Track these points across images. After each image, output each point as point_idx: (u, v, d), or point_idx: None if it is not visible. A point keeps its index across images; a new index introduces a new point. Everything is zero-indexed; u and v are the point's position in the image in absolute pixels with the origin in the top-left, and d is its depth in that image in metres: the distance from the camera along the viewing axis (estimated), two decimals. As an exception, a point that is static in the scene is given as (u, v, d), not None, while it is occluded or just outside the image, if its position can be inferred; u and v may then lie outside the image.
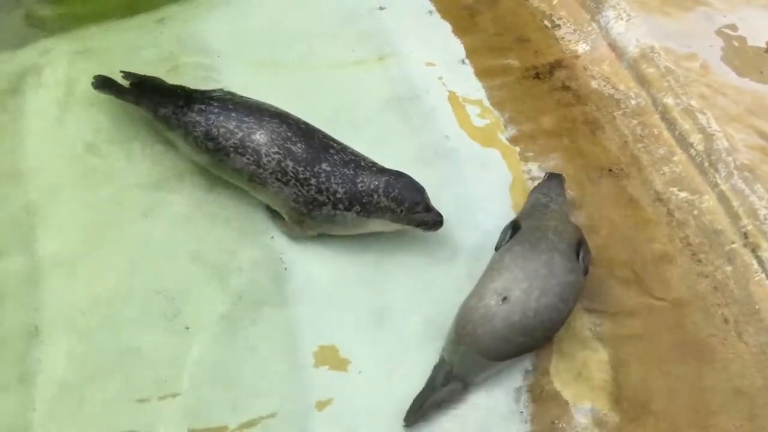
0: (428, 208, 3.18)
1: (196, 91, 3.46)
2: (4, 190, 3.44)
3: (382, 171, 3.20)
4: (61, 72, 3.85)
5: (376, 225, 3.22)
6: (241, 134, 3.22)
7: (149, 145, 3.63)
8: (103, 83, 3.62)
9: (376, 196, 3.12)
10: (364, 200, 3.13)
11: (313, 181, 3.14)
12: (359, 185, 3.13)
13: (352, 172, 3.16)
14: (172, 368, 3.03)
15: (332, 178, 3.14)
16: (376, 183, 3.13)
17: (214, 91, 3.45)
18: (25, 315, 3.10)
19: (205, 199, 3.48)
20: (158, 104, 3.44)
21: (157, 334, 3.10)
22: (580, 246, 3.11)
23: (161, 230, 3.37)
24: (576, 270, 3.02)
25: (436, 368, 2.99)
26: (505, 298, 2.88)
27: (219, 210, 3.45)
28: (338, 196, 3.14)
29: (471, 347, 2.91)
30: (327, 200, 3.15)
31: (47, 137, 3.63)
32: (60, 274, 3.22)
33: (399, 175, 3.19)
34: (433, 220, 3.18)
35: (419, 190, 3.17)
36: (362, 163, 3.20)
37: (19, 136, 3.62)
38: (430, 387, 2.94)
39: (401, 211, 3.13)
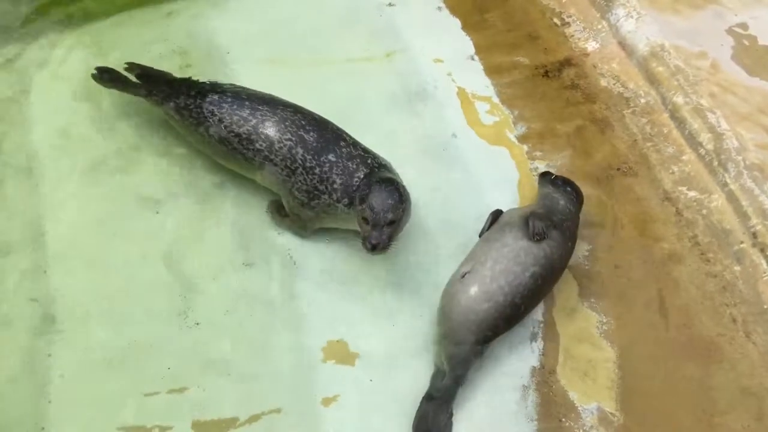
0: (377, 225, 2.93)
1: (207, 82, 3.48)
2: (14, 183, 3.45)
3: (381, 175, 3.12)
4: (70, 66, 3.86)
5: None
6: (254, 121, 3.24)
7: (160, 138, 3.64)
8: (106, 75, 3.61)
9: (358, 193, 3.07)
10: (352, 195, 3.11)
11: (317, 170, 3.15)
12: (355, 179, 3.12)
13: (354, 166, 3.15)
14: (180, 362, 3.04)
15: (334, 168, 3.14)
16: (365, 181, 3.09)
17: (225, 84, 3.47)
18: (35, 308, 3.12)
19: (215, 193, 3.49)
20: (169, 96, 3.45)
21: (166, 327, 3.12)
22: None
23: (171, 225, 3.38)
24: (525, 235, 3.03)
25: (432, 378, 3.00)
26: (463, 276, 2.99)
27: (229, 205, 3.46)
28: (335, 186, 3.14)
29: (447, 331, 2.96)
30: (324, 190, 3.15)
31: (57, 131, 3.63)
32: (70, 268, 3.24)
33: (387, 183, 3.03)
34: (368, 239, 2.92)
35: (385, 206, 2.93)
36: (369, 161, 3.18)
37: (28, 130, 3.63)
38: (429, 396, 2.95)
39: (358, 210, 3.00)
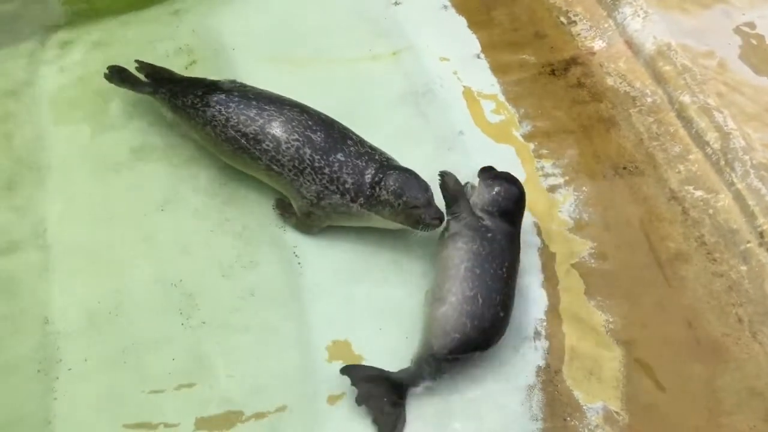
0: (429, 204, 3.10)
1: (215, 81, 3.49)
2: (19, 181, 3.47)
3: (391, 166, 3.20)
4: (78, 64, 3.88)
5: (379, 220, 3.21)
6: (261, 121, 3.24)
7: (165, 137, 3.65)
8: (117, 74, 3.64)
9: (378, 189, 3.11)
10: (368, 192, 3.13)
11: (326, 170, 3.16)
12: (366, 177, 3.14)
13: (363, 164, 3.16)
14: (185, 359, 3.05)
15: (344, 168, 3.15)
16: (381, 176, 3.13)
17: (233, 82, 3.48)
18: (40, 305, 3.13)
19: (220, 191, 3.50)
20: (177, 94, 3.47)
21: (172, 325, 3.13)
22: None
23: (177, 223, 3.39)
24: (447, 243, 3.10)
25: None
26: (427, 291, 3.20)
27: (233, 203, 3.47)
28: (347, 186, 3.15)
29: (420, 344, 3.04)
30: (336, 190, 3.16)
31: (63, 129, 3.65)
32: (75, 265, 3.25)
33: (405, 171, 3.16)
34: (431, 217, 3.08)
35: (422, 187, 3.11)
36: (376, 157, 3.21)
37: (35, 127, 3.65)
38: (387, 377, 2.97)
39: (399, 205, 3.08)
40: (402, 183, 3.09)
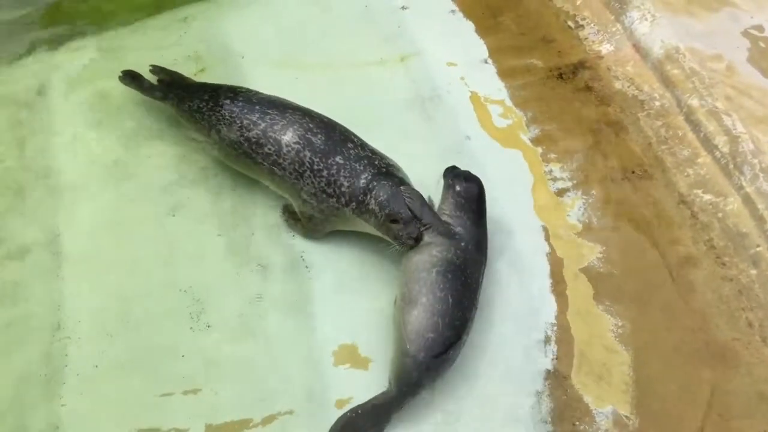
0: (408, 223, 3.04)
1: (221, 86, 3.51)
2: (31, 187, 3.50)
3: (387, 175, 3.15)
4: (88, 71, 3.92)
5: (367, 227, 3.20)
6: (263, 125, 3.25)
7: (175, 143, 3.67)
8: (131, 78, 3.69)
9: (368, 197, 3.09)
10: (360, 198, 3.11)
11: (325, 172, 3.15)
12: (361, 181, 3.12)
13: (361, 168, 3.14)
14: (193, 364, 3.07)
15: (342, 171, 3.14)
16: (374, 184, 3.10)
17: (238, 87, 3.49)
18: (50, 311, 3.16)
19: (229, 197, 3.51)
20: (184, 99, 3.50)
21: (181, 330, 3.14)
22: None
23: (185, 228, 3.41)
24: (422, 250, 3.06)
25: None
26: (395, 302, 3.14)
27: (242, 208, 3.49)
28: (342, 189, 3.13)
29: (395, 351, 2.99)
30: (333, 193, 3.15)
31: (75, 136, 3.68)
32: (85, 271, 3.28)
33: (396, 184, 3.10)
34: (407, 235, 3.03)
35: (413, 202, 3.06)
36: (376, 162, 3.18)
37: (46, 134, 3.68)
38: (364, 405, 2.96)
39: (381, 216, 3.06)
40: (389, 195, 3.05)
